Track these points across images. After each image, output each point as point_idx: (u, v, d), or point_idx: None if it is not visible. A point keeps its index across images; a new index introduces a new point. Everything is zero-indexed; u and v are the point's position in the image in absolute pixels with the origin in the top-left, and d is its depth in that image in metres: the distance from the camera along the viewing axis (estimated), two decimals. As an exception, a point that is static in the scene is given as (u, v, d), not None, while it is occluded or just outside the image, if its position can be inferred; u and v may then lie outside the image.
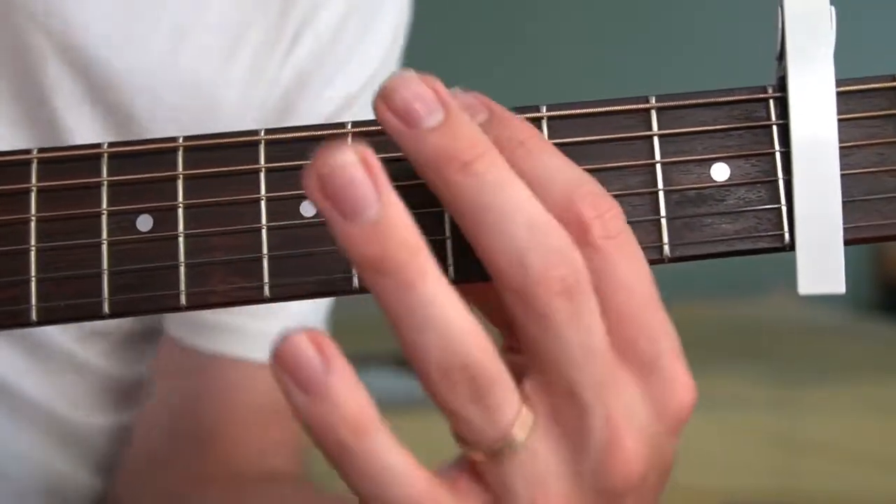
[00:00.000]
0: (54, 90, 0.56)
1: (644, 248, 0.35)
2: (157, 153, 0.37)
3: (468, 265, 0.35)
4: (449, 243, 0.36)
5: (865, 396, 1.66)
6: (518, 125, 0.34)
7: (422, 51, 0.69)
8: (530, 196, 0.31)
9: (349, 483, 0.32)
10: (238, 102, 0.58)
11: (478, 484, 0.33)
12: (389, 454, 0.31)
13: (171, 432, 0.62)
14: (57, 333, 0.60)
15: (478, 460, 0.33)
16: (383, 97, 0.32)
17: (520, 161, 0.33)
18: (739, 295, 2.14)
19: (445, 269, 0.35)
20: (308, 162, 0.31)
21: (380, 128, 0.33)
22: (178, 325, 0.61)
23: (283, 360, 0.31)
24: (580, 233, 0.32)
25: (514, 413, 0.32)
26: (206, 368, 0.61)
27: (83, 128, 0.56)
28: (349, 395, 0.31)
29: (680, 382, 0.33)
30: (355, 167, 0.30)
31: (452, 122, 0.31)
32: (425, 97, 0.31)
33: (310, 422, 0.31)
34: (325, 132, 0.37)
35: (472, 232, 0.32)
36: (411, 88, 0.31)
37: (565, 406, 0.32)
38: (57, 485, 0.63)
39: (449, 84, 0.33)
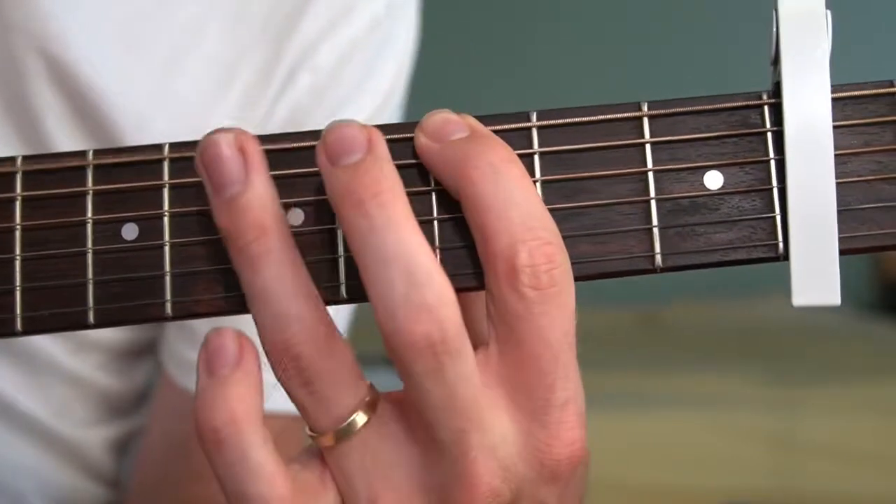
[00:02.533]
0: (45, 111, 0.56)
1: (636, 258, 0.35)
2: (143, 162, 0.37)
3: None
4: (438, 253, 0.35)
5: (865, 397, 1.66)
6: (494, 147, 0.34)
7: (424, 60, 0.69)
8: (419, 245, 0.32)
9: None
10: None
11: (326, 476, 0.35)
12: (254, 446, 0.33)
13: (166, 472, 0.62)
14: (50, 346, 0.60)
15: (325, 445, 0.34)
16: (322, 134, 0.34)
17: (484, 181, 0.33)
18: (739, 296, 2.13)
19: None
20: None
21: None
22: (176, 363, 0.61)
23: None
24: (509, 275, 0.33)
25: (347, 407, 0.34)
26: None
27: (73, 148, 0.56)
28: (240, 390, 0.33)
29: (564, 438, 0.34)
30: (228, 146, 0.33)
31: (367, 162, 0.33)
32: (355, 138, 0.33)
33: (198, 403, 0.33)
34: (309, 143, 0.36)
35: (360, 271, 0.33)
36: (345, 129, 0.33)
37: (422, 430, 0.34)
38: (57, 496, 0.63)
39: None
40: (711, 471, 1.51)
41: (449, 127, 0.34)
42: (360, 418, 0.34)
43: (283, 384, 0.34)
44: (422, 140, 0.35)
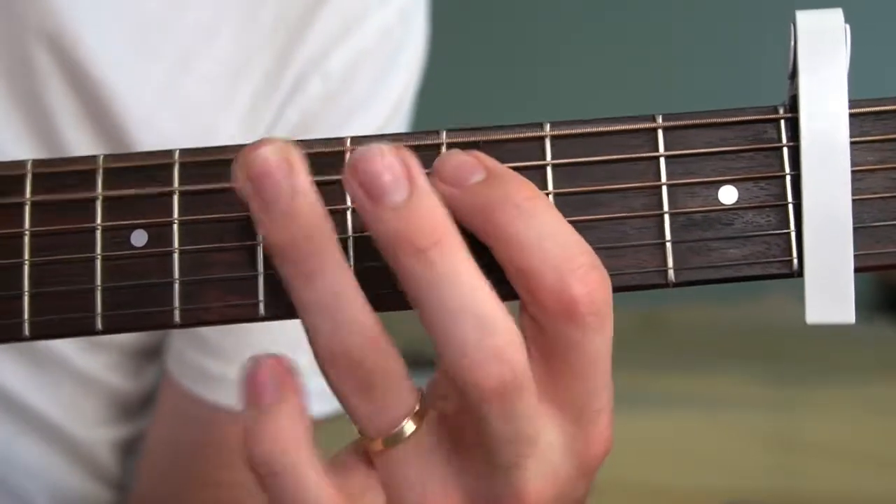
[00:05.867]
0: (57, 108, 0.56)
1: (648, 273, 0.35)
2: (153, 168, 0.37)
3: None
4: None
5: (865, 397, 1.66)
6: (515, 185, 0.33)
7: (434, 68, 0.68)
8: (485, 291, 0.32)
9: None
10: (236, 136, 0.57)
11: (371, 477, 0.35)
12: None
13: (171, 477, 0.62)
14: (61, 344, 0.60)
15: (375, 450, 0.34)
16: (352, 165, 0.32)
17: (513, 223, 0.32)
18: (739, 296, 2.13)
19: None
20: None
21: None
22: (181, 366, 0.61)
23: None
24: (567, 308, 0.32)
25: (400, 413, 0.33)
26: (208, 419, 0.61)
27: (84, 148, 0.56)
28: (288, 420, 0.33)
29: (602, 436, 0.35)
30: (275, 160, 0.32)
31: (414, 202, 0.31)
32: (394, 171, 0.31)
33: (246, 435, 0.33)
34: (322, 149, 0.36)
35: (421, 317, 0.32)
36: (381, 160, 0.32)
37: (477, 449, 0.34)
38: (62, 496, 0.63)
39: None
40: (711, 471, 1.51)
41: (465, 170, 0.33)
42: (410, 426, 0.34)
43: (336, 390, 0.33)
44: (439, 186, 0.34)
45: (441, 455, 0.34)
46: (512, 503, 0.34)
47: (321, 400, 0.35)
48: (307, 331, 0.33)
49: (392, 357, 0.33)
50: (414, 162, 0.32)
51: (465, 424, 0.33)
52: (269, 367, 0.33)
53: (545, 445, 0.34)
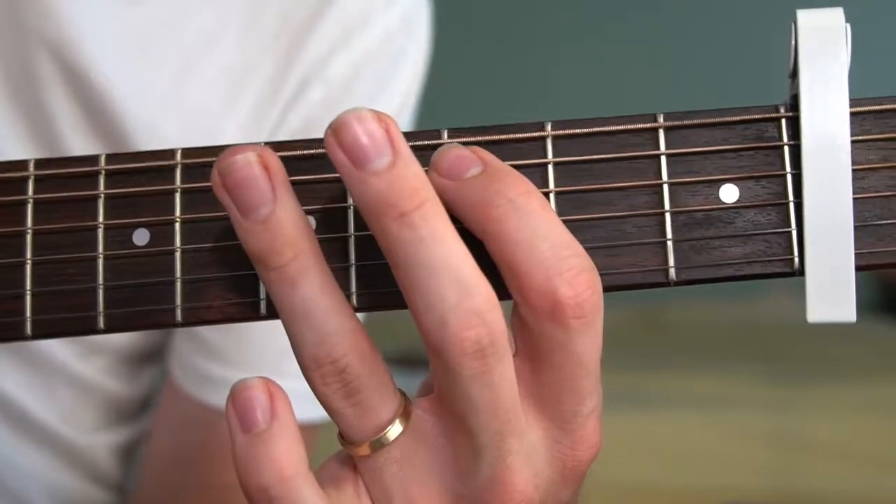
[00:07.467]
0: (59, 116, 0.56)
1: (649, 271, 0.35)
2: (155, 168, 0.37)
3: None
4: None
5: (865, 396, 1.66)
6: (510, 180, 0.33)
7: (434, 68, 0.68)
8: (464, 252, 0.32)
9: None
10: (238, 141, 0.57)
11: (359, 485, 0.35)
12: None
13: (174, 481, 0.63)
14: (57, 348, 0.60)
15: (360, 455, 0.34)
16: (334, 130, 0.32)
17: (507, 219, 0.32)
18: (739, 295, 2.13)
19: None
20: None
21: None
22: (183, 370, 0.61)
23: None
24: (553, 309, 0.32)
25: (386, 416, 0.34)
26: (210, 421, 0.61)
27: (85, 153, 0.56)
28: (283, 444, 0.33)
29: (587, 442, 0.34)
30: (254, 166, 0.32)
31: (398, 167, 0.32)
32: (376, 136, 0.32)
33: (240, 462, 0.33)
34: (319, 149, 0.36)
35: (402, 282, 0.32)
36: (363, 125, 0.32)
37: (460, 436, 0.33)
38: (62, 499, 0.63)
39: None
40: (711, 471, 1.51)
41: (462, 163, 0.33)
42: (396, 428, 0.34)
43: (322, 397, 0.33)
44: (436, 180, 0.34)
45: (426, 455, 0.34)
46: (496, 502, 0.34)
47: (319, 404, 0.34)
48: (290, 337, 0.33)
49: (376, 361, 0.33)
50: (395, 127, 0.32)
51: (446, 409, 0.33)
52: (258, 390, 0.33)
53: (528, 447, 0.34)
